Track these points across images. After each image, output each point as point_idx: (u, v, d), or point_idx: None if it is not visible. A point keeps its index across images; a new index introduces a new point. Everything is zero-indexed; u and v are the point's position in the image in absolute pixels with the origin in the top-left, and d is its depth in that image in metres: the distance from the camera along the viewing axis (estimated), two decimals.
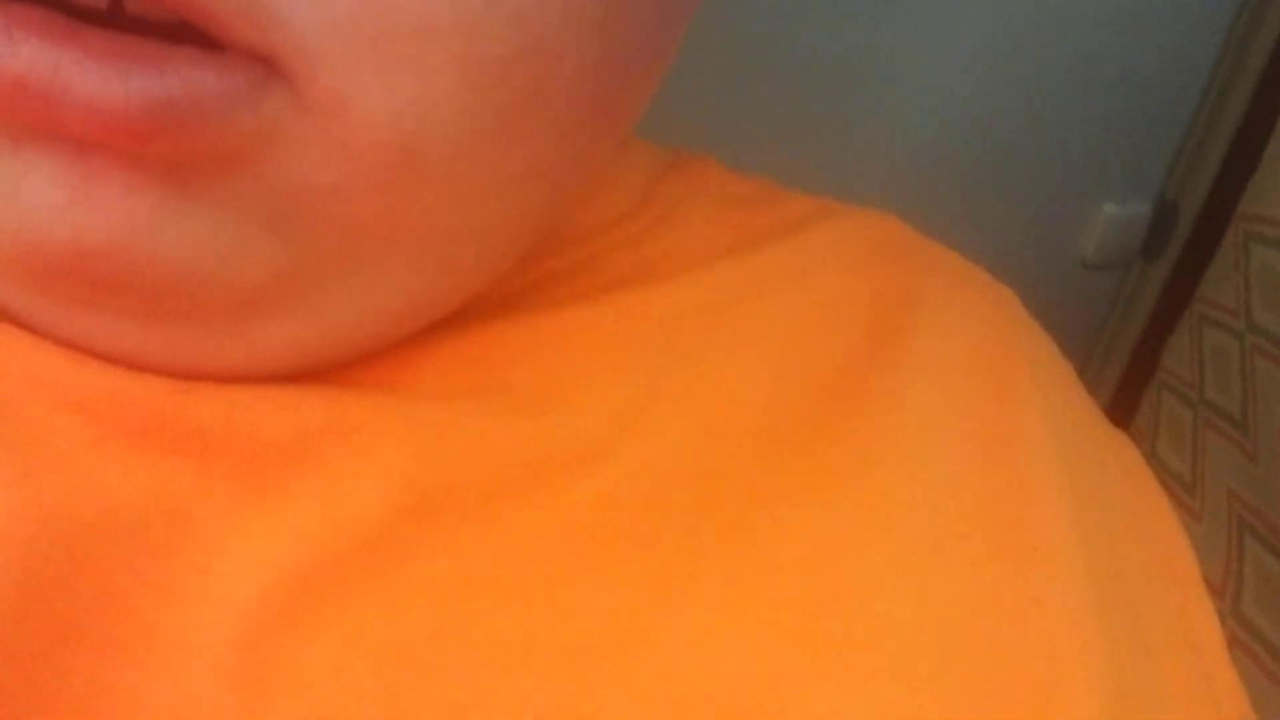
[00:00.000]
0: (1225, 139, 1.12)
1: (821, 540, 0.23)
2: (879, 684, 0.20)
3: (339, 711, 0.19)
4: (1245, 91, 1.10)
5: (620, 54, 0.18)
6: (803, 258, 0.29)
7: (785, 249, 0.29)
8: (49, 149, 0.15)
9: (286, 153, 0.16)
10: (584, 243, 0.28)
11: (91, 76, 0.14)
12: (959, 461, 0.25)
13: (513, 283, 0.26)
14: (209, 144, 0.15)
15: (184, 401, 0.20)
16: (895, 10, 0.84)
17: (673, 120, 0.37)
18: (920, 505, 0.24)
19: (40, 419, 0.19)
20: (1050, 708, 0.21)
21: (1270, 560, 0.89)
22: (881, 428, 0.25)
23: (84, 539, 0.18)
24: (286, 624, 0.19)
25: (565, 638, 0.20)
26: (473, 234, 0.19)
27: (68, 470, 0.19)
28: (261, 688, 0.18)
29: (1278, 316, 0.94)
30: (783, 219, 0.31)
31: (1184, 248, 1.18)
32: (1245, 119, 1.10)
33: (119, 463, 0.19)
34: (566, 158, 0.19)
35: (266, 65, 0.15)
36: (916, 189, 0.91)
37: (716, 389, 0.25)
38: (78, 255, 0.16)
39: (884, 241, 0.31)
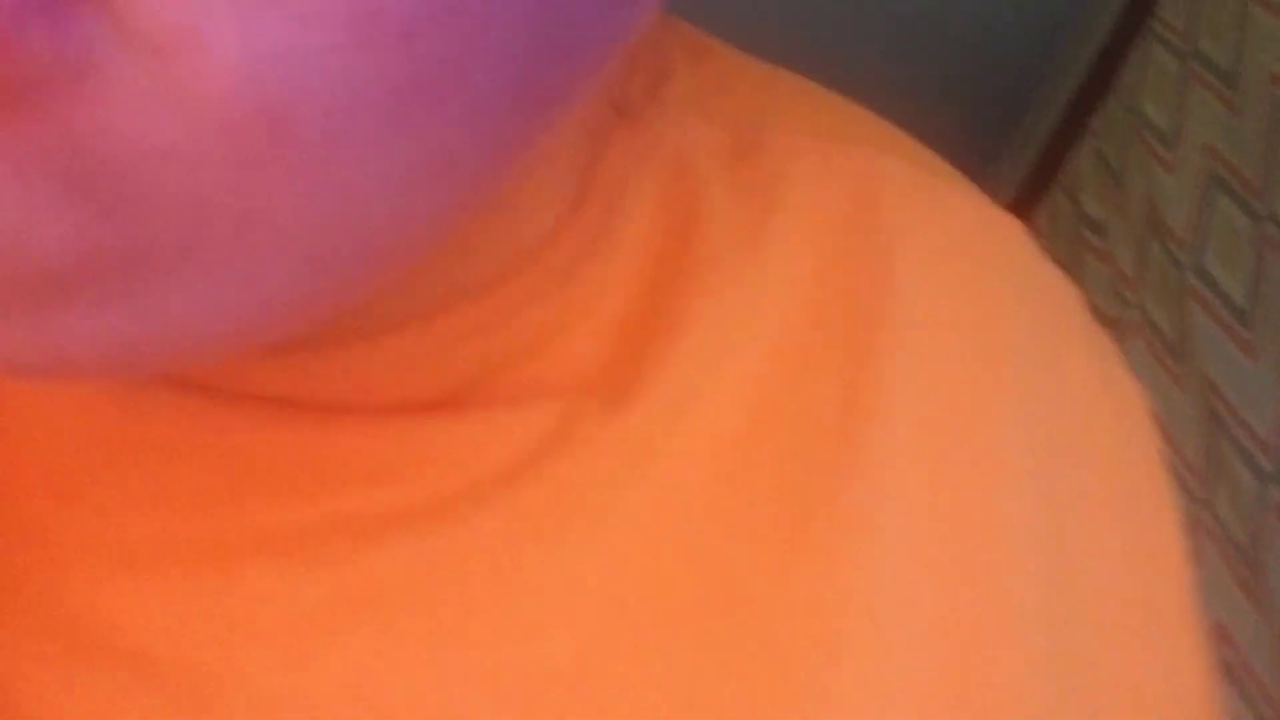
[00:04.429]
0: None
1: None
2: None
3: None
4: None
5: (563, 32, 0.14)
6: (763, 287, 0.25)
7: (739, 277, 0.25)
8: None
9: (104, 98, 0.12)
10: (493, 287, 0.22)
11: None
12: (927, 574, 0.24)
13: (394, 349, 0.22)
14: None
15: None
16: None
17: None
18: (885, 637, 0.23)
19: None
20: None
21: (1239, 215, 0.92)
22: (844, 558, 0.23)
23: None
24: None
25: None
26: (354, 231, 0.15)
27: None
28: None
29: None
30: (745, 194, 0.26)
31: None
32: None
33: None
34: (483, 153, 0.15)
35: None
36: None
37: (638, 544, 0.23)
38: None
39: (859, 212, 0.26)
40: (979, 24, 1.34)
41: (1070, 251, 1.18)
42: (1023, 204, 1.41)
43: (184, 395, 0.22)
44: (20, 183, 0.13)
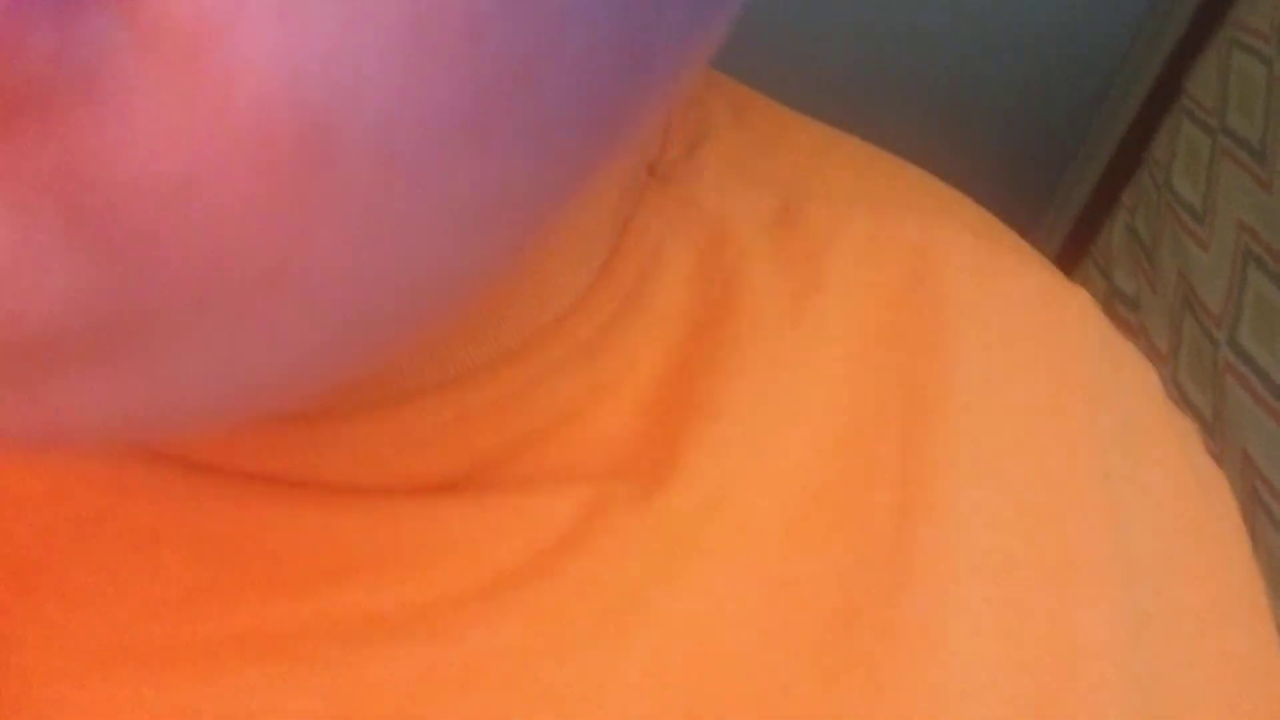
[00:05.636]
0: None
1: None
2: None
3: None
4: None
5: (643, 45, 0.12)
6: (808, 368, 0.23)
7: (781, 356, 0.23)
8: None
9: (115, 111, 0.10)
10: (515, 358, 0.20)
11: None
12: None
13: (405, 424, 0.20)
14: None
15: None
16: None
17: None
18: None
19: None
20: None
21: (1272, 290, 0.91)
22: (909, 671, 0.21)
23: None
24: None
25: None
26: (396, 280, 0.13)
27: None
28: None
29: None
30: (789, 265, 0.23)
31: None
32: None
33: None
34: (543, 185, 0.13)
35: None
36: None
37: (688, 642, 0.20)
38: None
39: (913, 286, 0.24)
40: (1011, 98, 1.35)
41: None
42: None
43: (166, 473, 0.20)
44: (17, 221, 0.10)
